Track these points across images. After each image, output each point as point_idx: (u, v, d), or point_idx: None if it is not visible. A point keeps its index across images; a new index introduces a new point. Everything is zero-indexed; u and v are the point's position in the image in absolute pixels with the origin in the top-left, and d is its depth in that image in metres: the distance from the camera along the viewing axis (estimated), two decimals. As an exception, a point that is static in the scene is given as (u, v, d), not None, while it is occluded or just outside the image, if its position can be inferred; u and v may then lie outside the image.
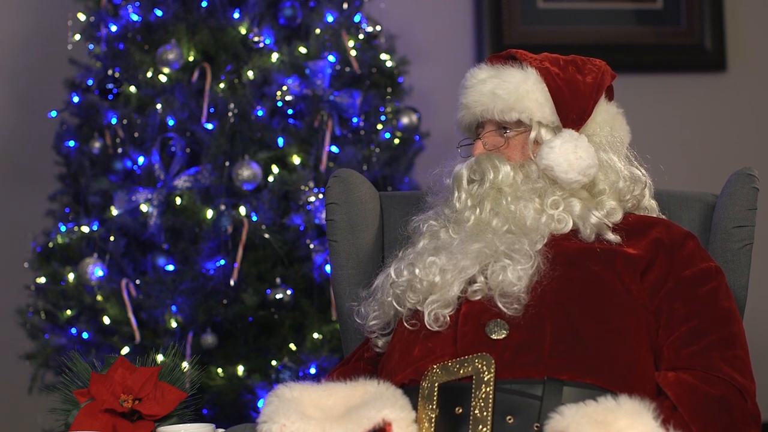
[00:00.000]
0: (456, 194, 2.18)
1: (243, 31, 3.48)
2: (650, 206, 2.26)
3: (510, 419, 1.91)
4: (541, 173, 2.17)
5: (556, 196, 2.15)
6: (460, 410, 1.94)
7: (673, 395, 1.96)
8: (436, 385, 1.98)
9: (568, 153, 2.15)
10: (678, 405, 1.95)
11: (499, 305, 2.02)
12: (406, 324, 2.10)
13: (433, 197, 2.27)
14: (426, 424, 1.95)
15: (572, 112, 2.20)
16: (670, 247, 2.12)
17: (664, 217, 2.28)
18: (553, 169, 2.15)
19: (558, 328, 1.99)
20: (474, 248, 2.08)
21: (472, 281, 2.07)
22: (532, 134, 2.19)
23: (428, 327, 2.06)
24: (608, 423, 1.81)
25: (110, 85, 3.45)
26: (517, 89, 2.19)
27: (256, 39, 3.47)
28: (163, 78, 3.46)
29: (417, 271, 2.10)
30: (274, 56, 3.47)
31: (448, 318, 2.05)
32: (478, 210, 2.15)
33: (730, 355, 2.03)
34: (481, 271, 2.07)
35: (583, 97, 2.21)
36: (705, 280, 2.10)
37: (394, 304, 2.12)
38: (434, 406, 1.96)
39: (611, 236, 2.13)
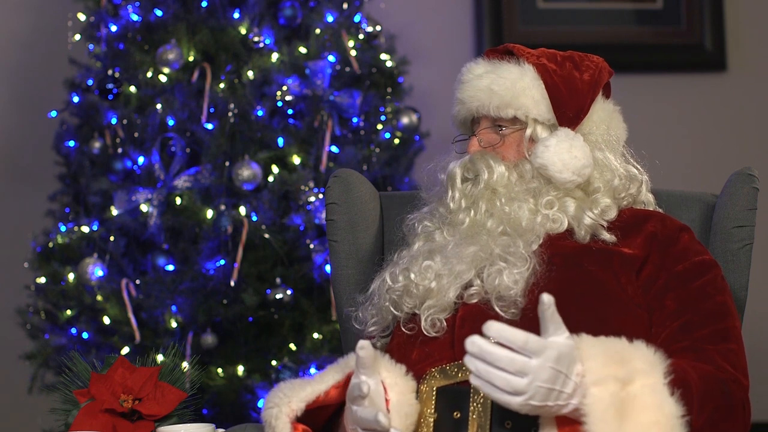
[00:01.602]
0: (450, 193, 2.16)
1: (243, 31, 3.48)
2: (647, 200, 2.24)
3: (508, 424, 1.89)
4: (535, 172, 2.14)
5: (550, 196, 2.13)
6: (459, 414, 1.92)
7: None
8: (434, 388, 1.97)
9: (562, 152, 2.12)
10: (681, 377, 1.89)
11: (496, 309, 2.01)
12: (403, 328, 2.10)
13: (428, 193, 2.24)
14: (424, 429, 1.94)
15: (569, 110, 2.17)
16: (663, 241, 2.10)
17: (660, 210, 2.26)
18: (547, 168, 2.12)
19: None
20: (469, 252, 2.07)
21: (468, 285, 2.06)
22: (528, 132, 2.16)
23: (425, 333, 2.05)
24: (625, 360, 1.80)
25: (110, 85, 3.45)
26: (514, 86, 2.16)
27: (256, 39, 3.47)
28: (163, 78, 3.46)
29: (412, 275, 2.08)
30: (274, 56, 3.47)
31: (445, 323, 2.05)
32: (472, 211, 2.12)
33: (724, 348, 2.00)
34: (477, 275, 2.05)
35: (580, 94, 2.18)
36: (698, 275, 2.07)
37: (392, 308, 2.11)
38: (432, 410, 1.96)
39: (606, 236, 2.11)
